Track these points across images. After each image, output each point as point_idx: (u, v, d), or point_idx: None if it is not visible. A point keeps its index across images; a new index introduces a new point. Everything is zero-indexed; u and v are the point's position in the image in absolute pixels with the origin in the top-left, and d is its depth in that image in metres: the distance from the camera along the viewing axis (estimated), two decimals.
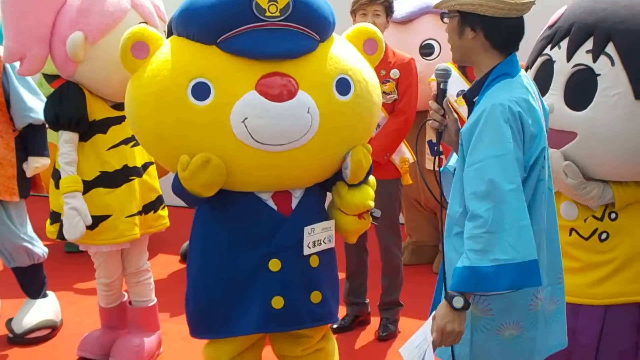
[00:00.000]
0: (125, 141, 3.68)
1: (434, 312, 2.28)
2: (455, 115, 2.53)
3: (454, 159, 2.62)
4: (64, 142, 3.61)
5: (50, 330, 4.29)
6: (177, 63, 2.77)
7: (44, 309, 4.30)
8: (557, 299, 2.47)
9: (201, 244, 2.99)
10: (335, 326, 4.28)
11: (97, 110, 3.67)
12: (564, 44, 2.96)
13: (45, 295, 4.35)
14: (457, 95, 4.54)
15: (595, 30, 2.87)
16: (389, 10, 4.07)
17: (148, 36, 2.83)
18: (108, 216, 3.64)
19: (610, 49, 2.85)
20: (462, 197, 2.29)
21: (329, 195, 3.09)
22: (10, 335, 4.22)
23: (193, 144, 2.76)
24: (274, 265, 2.90)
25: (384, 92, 4.07)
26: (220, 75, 2.74)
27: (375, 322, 4.37)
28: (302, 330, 3.04)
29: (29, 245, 4.21)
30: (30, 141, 4.14)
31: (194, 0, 2.75)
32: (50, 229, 3.73)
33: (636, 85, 2.82)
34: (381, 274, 4.30)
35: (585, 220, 3.04)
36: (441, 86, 2.54)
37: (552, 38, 3.03)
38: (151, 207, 3.80)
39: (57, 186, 3.66)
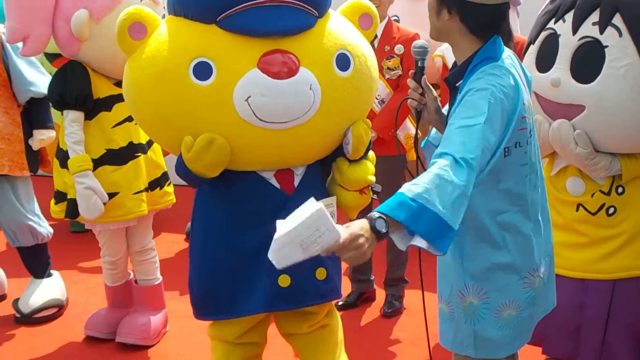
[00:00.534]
0: (130, 118, 3.66)
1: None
2: (435, 94, 2.49)
3: (434, 130, 2.60)
4: (70, 122, 3.60)
5: (57, 309, 4.31)
6: (177, 43, 2.74)
7: (50, 289, 4.32)
8: (550, 265, 2.48)
9: (203, 225, 2.97)
10: (340, 303, 4.29)
11: (100, 88, 3.67)
12: (569, 17, 2.92)
13: (50, 275, 4.37)
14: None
15: (602, 2, 2.84)
16: None
17: (145, 17, 2.79)
18: (116, 193, 3.64)
19: (617, 20, 2.81)
20: None
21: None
22: (17, 315, 4.24)
23: (196, 124, 2.74)
24: None
25: (388, 68, 4.04)
26: (221, 54, 2.71)
27: (380, 298, 4.37)
28: (307, 308, 3.03)
29: (34, 225, 4.21)
30: (34, 115, 4.15)
31: None
32: (55, 209, 3.74)
33: None
34: (386, 251, 4.30)
35: (592, 195, 3.03)
36: (419, 64, 2.49)
37: (555, 12, 2.99)
38: (157, 183, 3.80)
39: (61, 165, 3.66)
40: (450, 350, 2.47)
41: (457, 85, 2.33)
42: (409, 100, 2.51)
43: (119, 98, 3.65)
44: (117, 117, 3.68)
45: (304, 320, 3.10)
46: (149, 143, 3.79)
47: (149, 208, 3.79)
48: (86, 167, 3.57)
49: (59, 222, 5.09)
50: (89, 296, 4.48)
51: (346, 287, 4.36)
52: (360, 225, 1.99)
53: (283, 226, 2.01)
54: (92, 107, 3.63)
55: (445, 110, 2.49)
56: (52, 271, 4.40)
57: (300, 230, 1.97)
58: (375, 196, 3.05)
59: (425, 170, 2.12)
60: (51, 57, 4.33)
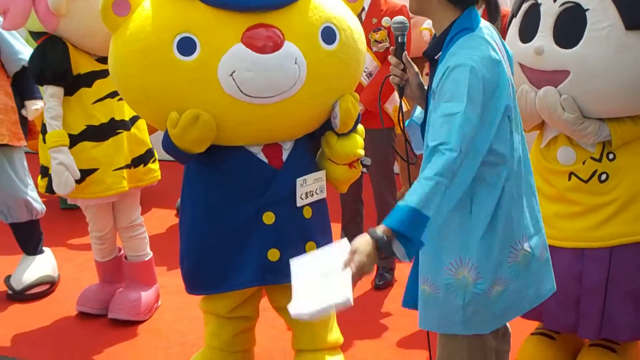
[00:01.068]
0: (112, 95, 3.66)
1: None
2: (416, 69, 2.47)
3: (418, 110, 2.58)
4: (48, 97, 3.61)
5: (49, 286, 4.32)
6: (161, 19, 2.74)
7: (42, 265, 4.32)
8: (546, 246, 2.46)
9: (192, 200, 2.99)
10: None
11: (81, 64, 3.65)
12: None
13: (41, 252, 4.37)
14: None
15: None
16: None
17: None
18: (95, 170, 3.64)
19: None
20: None
21: None
22: (10, 292, 4.25)
23: (181, 100, 2.74)
24: (268, 218, 2.91)
25: (375, 41, 4.03)
26: (205, 29, 2.70)
27: None
28: None
29: (30, 200, 4.22)
30: (25, 86, 4.14)
31: None
32: (41, 183, 3.76)
33: (626, 16, 2.79)
34: (377, 224, 4.30)
35: (583, 163, 3.03)
36: (399, 40, 2.47)
37: None
38: (140, 160, 3.79)
39: (44, 141, 3.66)
40: (436, 331, 2.44)
41: (435, 58, 2.33)
42: (391, 77, 2.48)
43: (100, 74, 3.65)
44: (98, 93, 3.67)
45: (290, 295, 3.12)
46: (133, 120, 3.77)
47: (133, 185, 3.79)
48: (60, 142, 3.57)
49: (49, 199, 5.08)
50: (80, 273, 4.49)
51: None
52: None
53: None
54: (71, 83, 3.62)
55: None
56: (43, 248, 4.40)
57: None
58: (365, 169, 3.06)
59: (411, 148, 2.20)
60: (36, 36, 4.28)
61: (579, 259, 3.04)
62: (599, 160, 3.01)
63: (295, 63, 2.74)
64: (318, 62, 2.80)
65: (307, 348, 3.23)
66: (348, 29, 2.87)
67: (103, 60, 3.61)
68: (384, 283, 4.27)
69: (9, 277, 4.30)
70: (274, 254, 2.92)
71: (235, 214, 2.91)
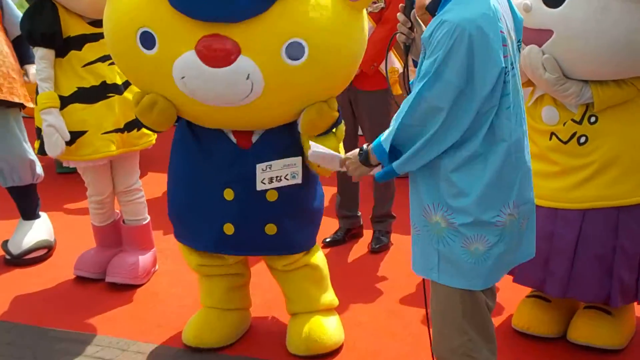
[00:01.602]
0: (102, 59, 3.63)
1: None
2: (424, 28, 2.43)
3: None
4: (38, 59, 3.61)
5: (47, 250, 4.32)
6: (126, 9, 2.79)
7: (39, 230, 4.33)
8: (530, 215, 2.46)
9: (175, 161, 3.19)
10: (328, 240, 4.32)
11: (72, 27, 3.62)
12: None
13: (38, 216, 4.37)
14: None
15: None
16: None
17: None
18: (84, 132, 3.64)
19: None
20: None
21: None
22: (8, 256, 4.26)
23: (145, 88, 2.89)
24: (228, 194, 3.02)
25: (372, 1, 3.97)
26: (164, 29, 2.73)
27: (367, 235, 4.40)
28: None
29: (35, 162, 4.22)
30: (25, 50, 4.14)
31: None
32: (35, 145, 3.77)
33: None
34: (373, 187, 4.31)
35: (564, 124, 3.04)
36: None
37: None
38: (134, 125, 3.76)
39: (35, 102, 3.66)
40: (421, 275, 2.48)
41: (435, 13, 2.31)
42: (397, 35, 2.48)
43: (91, 38, 3.63)
44: (88, 56, 3.64)
45: (277, 259, 3.22)
46: (126, 84, 3.74)
47: (127, 149, 3.78)
48: (50, 104, 3.56)
49: (45, 164, 5.07)
50: (77, 237, 4.49)
51: (333, 224, 4.39)
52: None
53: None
54: (61, 45, 3.59)
55: None
56: (40, 212, 4.40)
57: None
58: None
59: None
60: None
61: (552, 218, 3.07)
62: (580, 122, 3.02)
63: (248, 79, 2.70)
64: (278, 77, 2.73)
65: (302, 311, 3.27)
66: (322, 46, 2.73)
67: (95, 23, 3.59)
68: (380, 247, 4.27)
69: (6, 241, 4.31)
70: (229, 228, 3.06)
71: (203, 185, 3.05)
